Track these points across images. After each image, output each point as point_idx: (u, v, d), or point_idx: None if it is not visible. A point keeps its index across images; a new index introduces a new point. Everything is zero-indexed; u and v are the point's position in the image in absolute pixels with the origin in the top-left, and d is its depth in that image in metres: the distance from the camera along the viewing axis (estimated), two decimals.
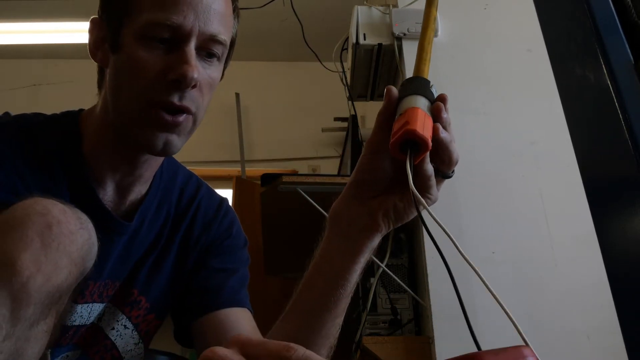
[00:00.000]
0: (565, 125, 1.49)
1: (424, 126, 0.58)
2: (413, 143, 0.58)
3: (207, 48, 0.79)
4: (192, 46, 0.77)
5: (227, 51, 0.84)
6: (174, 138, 0.79)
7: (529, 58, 1.65)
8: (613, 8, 1.06)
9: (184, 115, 0.79)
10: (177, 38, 0.77)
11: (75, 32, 3.35)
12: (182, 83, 0.76)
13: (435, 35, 1.72)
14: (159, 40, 0.77)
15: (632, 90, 0.99)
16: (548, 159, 1.52)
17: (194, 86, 0.78)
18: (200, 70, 0.78)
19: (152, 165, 0.87)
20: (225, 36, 0.81)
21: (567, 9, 1.21)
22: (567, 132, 1.48)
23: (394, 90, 0.66)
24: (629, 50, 1.02)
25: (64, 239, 0.59)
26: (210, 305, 0.92)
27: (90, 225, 0.63)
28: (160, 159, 0.89)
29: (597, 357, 1.28)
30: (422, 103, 0.62)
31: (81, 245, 0.61)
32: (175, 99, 0.77)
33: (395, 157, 0.61)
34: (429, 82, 0.65)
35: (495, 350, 0.50)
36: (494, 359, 0.47)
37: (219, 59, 0.82)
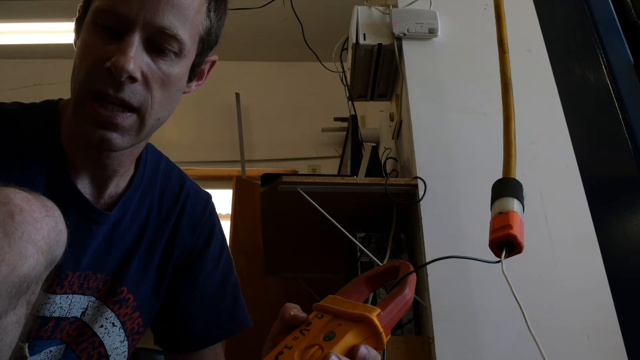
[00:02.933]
0: (565, 125, 1.49)
1: (521, 232, 0.70)
2: (508, 244, 0.69)
3: (157, 42, 0.76)
4: (134, 37, 0.74)
5: (188, 47, 0.79)
6: (114, 136, 0.76)
7: (529, 58, 1.65)
8: (613, 8, 1.06)
9: (126, 114, 0.76)
10: (121, 27, 0.75)
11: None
12: (114, 72, 0.73)
13: (435, 35, 1.73)
14: (106, 28, 0.76)
15: (632, 90, 0.98)
16: (548, 159, 1.52)
17: (133, 79, 0.75)
18: (144, 62, 0.76)
19: (124, 160, 0.86)
20: (180, 31, 0.77)
21: (567, 9, 1.21)
22: (567, 132, 1.48)
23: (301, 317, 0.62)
24: (628, 51, 1.02)
25: (28, 227, 0.57)
26: (207, 340, 0.97)
27: (57, 213, 0.62)
28: (135, 153, 0.88)
29: (597, 357, 1.28)
30: (519, 208, 0.73)
31: (47, 233, 0.59)
32: (110, 90, 0.74)
33: (492, 250, 0.70)
34: (522, 185, 0.76)
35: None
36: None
37: (177, 54, 0.78)
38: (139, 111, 0.77)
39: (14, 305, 0.57)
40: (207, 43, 0.85)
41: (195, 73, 0.87)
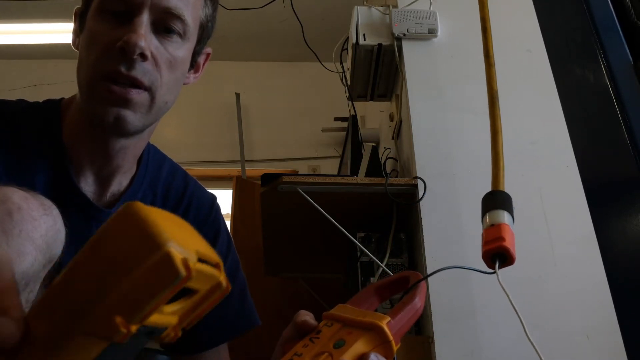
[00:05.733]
0: (565, 125, 1.49)
1: (513, 244, 0.70)
2: (501, 255, 0.70)
3: (164, 22, 0.79)
4: (143, 18, 0.77)
5: (192, 30, 0.83)
6: (128, 114, 0.78)
7: (529, 58, 1.65)
8: (612, 9, 1.06)
9: (137, 89, 0.78)
10: (129, 10, 0.78)
11: None
12: (126, 50, 0.75)
13: (435, 35, 1.73)
14: (114, 14, 0.78)
15: (631, 90, 0.99)
16: (548, 159, 1.52)
17: (144, 57, 0.77)
18: (153, 43, 0.78)
19: (128, 154, 0.87)
20: (184, 12, 0.80)
21: (567, 9, 1.21)
22: (567, 132, 1.48)
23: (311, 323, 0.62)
24: (628, 51, 1.02)
25: (26, 225, 0.57)
26: (214, 341, 0.96)
27: (55, 212, 0.62)
28: (139, 148, 0.89)
29: (597, 357, 1.28)
30: (509, 220, 0.74)
31: (45, 232, 0.59)
32: (122, 68, 0.76)
33: (485, 262, 0.72)
34: (511, 198, 0.77)
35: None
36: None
37: (181, 36, 0.82)
38: (150, 90, 0.79)
39: None
40: (206, 30, 0.88)
41: (195, 60, 0.89)
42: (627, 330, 1.09)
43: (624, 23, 1.05)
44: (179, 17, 0.80)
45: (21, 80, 3.49)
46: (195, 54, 0.88)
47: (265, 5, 2.49)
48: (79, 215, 0.82)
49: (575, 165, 1.40)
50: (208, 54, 0.94)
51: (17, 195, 0.59)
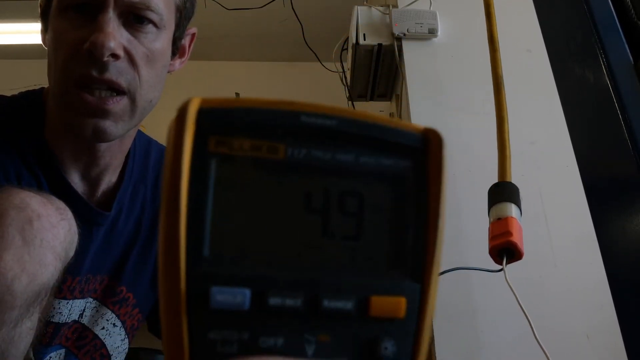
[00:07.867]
0: (565, 125, 1.49)
1: (520, 238, 0.69)
2: (508, 251, 0.69)
3: (134, 15, 0.72)
4: (108, 14, 0.70)
5: (166, 17, 0.75)
6: (107, 124, 0.72)
7: (528, 58, 1.65)
8: (613, 8, 1.06)
9: (116, 98, 0.71)
10: (92, 7, 0.71)
11: None
12: (95, 53, 0.69)
13: (435, 35, 1.73)
14: (76, 11, 0.72)
15: (631, 90, 0.98)
16: (548, 159, 1.52)
17: (116, 56, 0.70)
18: (124, 37, 0.71)
19: (116, 152, 0.81)
20: (153, 1, 0.73)
21: (567, 9, 1.21)
22: (567, 132, 1.48)
23: None
24: (628, 51, 1.02)
25: (47, 234, 0.55)
26: None
27: (69, 214, 0.60)
28: (126, 143, 0.83)
29: (597, 357, 1.28)
30: (517, 213, 0.72)
31: (64, 238, 0.57)
32: (94, 72, 0.70)
33: (492, 257, 0.70)
34: (518, 189, 0.74)
35: None
36: None
37: (156, 25, 0.74)
38: (128, 93, 0.73)
39: (31, 313, 0.56)
40: (184, 12, 0.80)
41: (177, 47, 0.82)
42: (627, 330, 1.09)
43: (624, 23, 1.05)
44: (147, 8, 0.73)
45: (21, 80, 3.48)
46: (177, 39, 0.80)
47: (265, 5, 2.49)
48: (79, 220, 0.80)
49: (575, 165, 1.39)
50: (193, 34, 0.86)
51: (36, 201, 0.57)
